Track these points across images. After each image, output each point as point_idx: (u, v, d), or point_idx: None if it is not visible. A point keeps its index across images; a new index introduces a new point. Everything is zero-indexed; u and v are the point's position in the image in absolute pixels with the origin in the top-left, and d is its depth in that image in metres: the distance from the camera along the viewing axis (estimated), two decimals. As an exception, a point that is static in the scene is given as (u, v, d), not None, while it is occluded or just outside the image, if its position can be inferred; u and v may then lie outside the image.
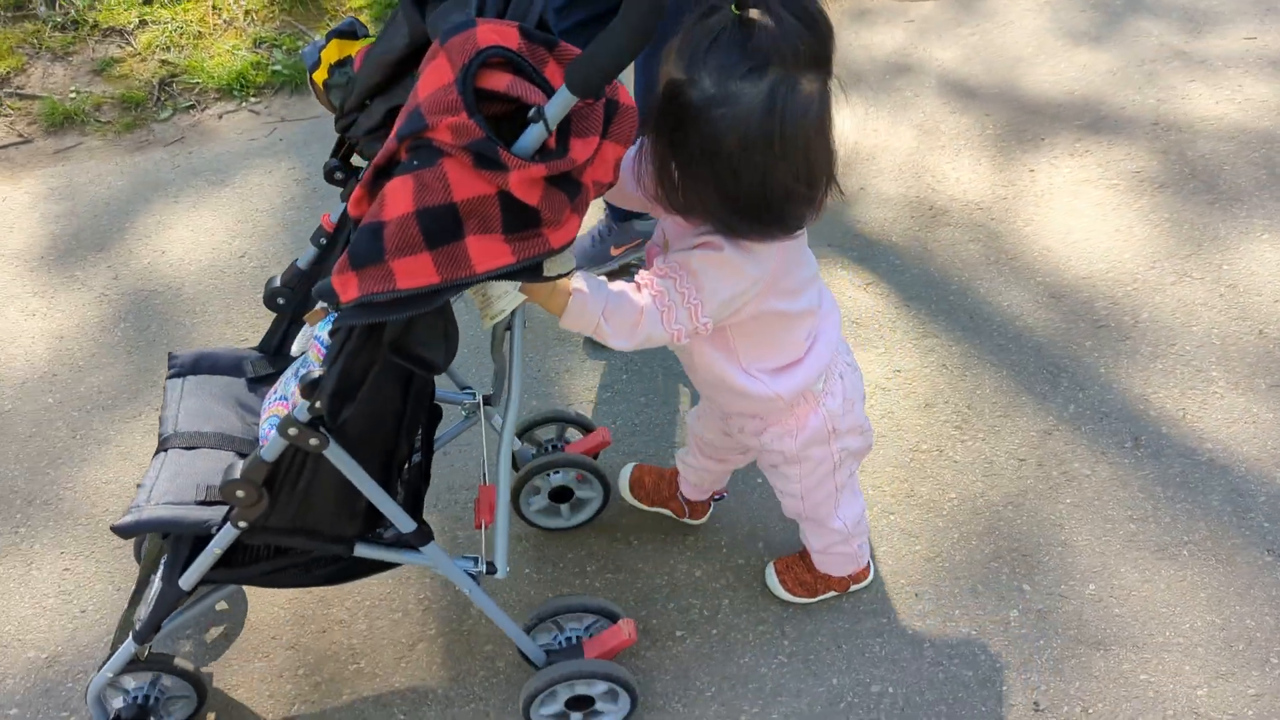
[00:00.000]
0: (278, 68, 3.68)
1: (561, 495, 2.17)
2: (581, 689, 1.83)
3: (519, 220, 1.21)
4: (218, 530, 1.58)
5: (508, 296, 1.44)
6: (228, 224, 3.07)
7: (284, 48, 3.77)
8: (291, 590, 2.14)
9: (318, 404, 1.37)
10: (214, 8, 3.98)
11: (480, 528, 1.81)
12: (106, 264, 2.95)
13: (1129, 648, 2.00)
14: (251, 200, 3.16)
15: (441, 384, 1.97)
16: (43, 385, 2.63)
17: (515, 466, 2.17)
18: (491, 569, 1.73)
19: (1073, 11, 3.68)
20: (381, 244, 1.20)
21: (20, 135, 3.54)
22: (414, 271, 1.21)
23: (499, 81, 1.20)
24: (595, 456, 2.22)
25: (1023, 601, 2.09)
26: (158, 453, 1.75)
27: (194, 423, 1.78)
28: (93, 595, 2.17)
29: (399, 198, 1.20)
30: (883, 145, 3.19)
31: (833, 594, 2.09)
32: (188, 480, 1.68)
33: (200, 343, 2.69)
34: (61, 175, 3.28)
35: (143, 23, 3.88)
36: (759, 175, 1.36)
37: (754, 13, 1.32)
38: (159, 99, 3.61)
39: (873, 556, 2.15)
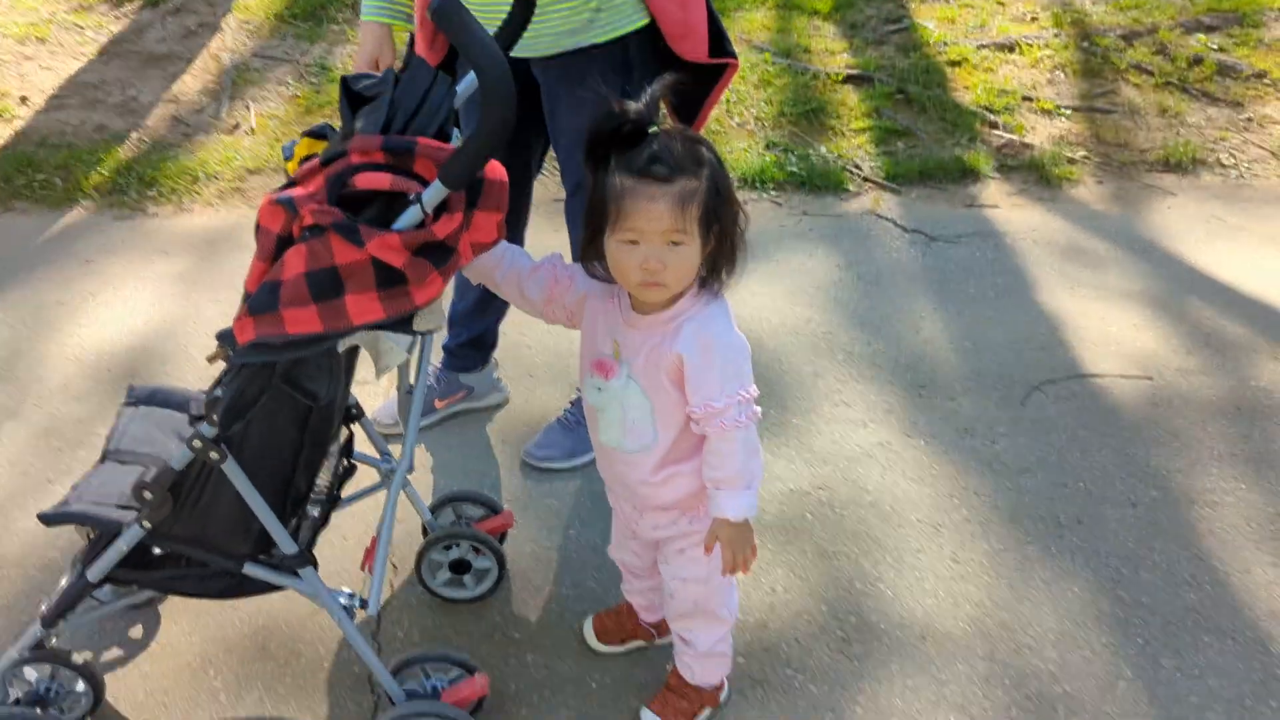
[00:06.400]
0: (794, 169, 4.22)
1: (462, 568, 2.37)
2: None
3: (388, 280, 1.51)
4: (126, 529, 1.82)
5: (393, 353, 1.72)
6: (785, 292, 3.52)
7: (796, 153, 4.35)
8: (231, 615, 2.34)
9: (214, 417, 1.64)
10: (727, 112, 4.63)
11: (363, 570, 2.02)
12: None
13: None
14: (800, 278, 3.62)
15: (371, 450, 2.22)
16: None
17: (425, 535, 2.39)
18: (364, 604, 1.95)
19: None
20: (277, 298, 1.51)
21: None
22: (301, 320, 1.51)
23: (382, 181, 1.52)
24: (503, 538, 2.44)
25: None
26: (98, 463, 2.01)
27: (135, 444, 2.05)
28: None
29: (294, 262, 1.51)
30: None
31: (708, 711, 2.12)
32: (114, 487, 1.93)
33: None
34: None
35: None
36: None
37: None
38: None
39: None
